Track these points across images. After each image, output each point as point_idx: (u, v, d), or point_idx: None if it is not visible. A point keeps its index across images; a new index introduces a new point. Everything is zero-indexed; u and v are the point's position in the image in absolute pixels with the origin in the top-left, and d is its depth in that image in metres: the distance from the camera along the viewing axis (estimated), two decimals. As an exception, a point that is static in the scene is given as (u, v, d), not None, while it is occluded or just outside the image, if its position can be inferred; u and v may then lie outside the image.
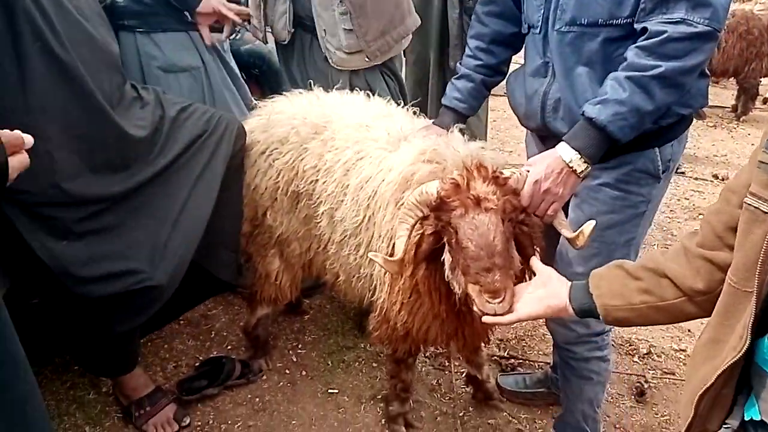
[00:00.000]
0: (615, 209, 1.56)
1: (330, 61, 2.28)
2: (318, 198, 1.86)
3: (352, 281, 1.88)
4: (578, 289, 1.20)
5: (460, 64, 1.84)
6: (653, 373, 2.48)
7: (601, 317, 1.17)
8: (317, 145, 1.87)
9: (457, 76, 1.83)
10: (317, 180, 1.85)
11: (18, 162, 1.03)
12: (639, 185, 1.55)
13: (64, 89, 1.53)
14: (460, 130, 1.66)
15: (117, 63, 1.77)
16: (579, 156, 1.39)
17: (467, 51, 1.82)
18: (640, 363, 2.54)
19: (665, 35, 1.29)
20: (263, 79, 3.00)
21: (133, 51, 2.31)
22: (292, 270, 2.09)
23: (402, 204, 1.49)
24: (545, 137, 1.68)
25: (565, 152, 1.41)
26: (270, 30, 2.39)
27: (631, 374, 2.46)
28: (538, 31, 1.55)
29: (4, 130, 1.01)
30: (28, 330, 1.42)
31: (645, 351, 2.58)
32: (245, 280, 2.29)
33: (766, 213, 0.86)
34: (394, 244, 1.51)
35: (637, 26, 1.35)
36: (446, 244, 1.42)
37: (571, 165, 1.40)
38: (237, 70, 2.57)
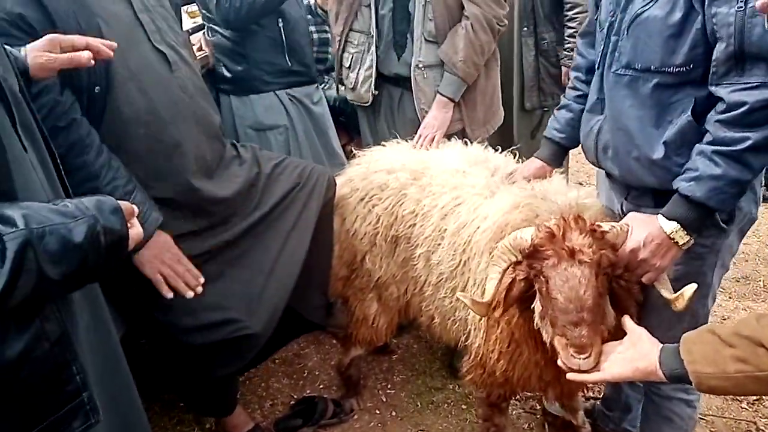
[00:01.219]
0: (681, 261, 1.50)
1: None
2: (415, 241, 1.91)
3: (447, 324, 1.90)
4: (669, 354, 1.16)
5: (564, 96, 1.87)
6: (765, 421, 2.33)
7: (693, 384, 1.11)
8: (415, 190, 1.93)
9: (558, 106, 1.86)
10: (415, 224, 1.91)
11: (136, 234, 1.09)
12: (702, 236, 1.49)
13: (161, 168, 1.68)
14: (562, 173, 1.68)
15: (217, 132, 1.89)
16: (680, 227, 1.36)
17: (569, 83, 1.84)
18: (750, 409, 2.40)
19: (747, 107, 1.26)
20: (348, 122, 3.13)
21: (228, 112, 2.54)
22: (389, 313, 2.14)
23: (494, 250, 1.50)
24: (608, 173, 1.67)
25: (665, 224, 1.38)
26: (348, 91, 2.43)
27: (740, 420, 2.33)
28: (598, 67, 1.57)
29: (123, 202, 1.06)
30: (139, 368, 1.51)
31: (755, 396, 2.44)
32: (335, 320, 2.36)
33: None
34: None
35: (712, 90, 1.33)
36: (537, 292, 1.40)
37: (672, 237, 1.37)
38: (327, 119, 2.72)
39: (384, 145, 2.18)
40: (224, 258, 1.86)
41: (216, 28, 2.46)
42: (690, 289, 1.33)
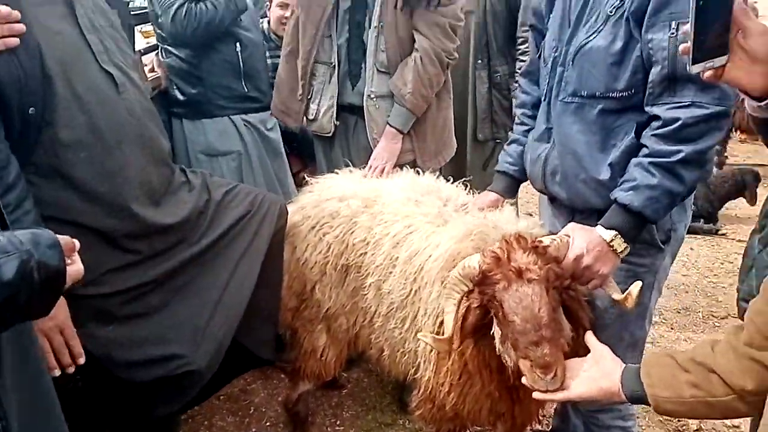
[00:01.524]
0: (620, 280, 1.55)
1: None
2: (366, 270, 1.86)
3: (397, 356, 1.85)
4: (630, 375, 1.19)
5: (511, 131, 1.92)
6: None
7: (652, 407, 1.14)
8: (367, 218, 1.89)
9: (508, 141, 1.91)
10: (366, 252, 1.87)
11: (75, 270, 1.05)
12: (641, 256, 1.58)
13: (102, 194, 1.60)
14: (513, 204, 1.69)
15: (165, 156, 1.83)
16: (618, 235, 1.42)
17: (516, 119, 1.90)
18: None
19: (680, 122, 1.35)
20: (301, 149, 3.10)
21: (180, 136, 2.48)
22: (338, 345, 2.07)
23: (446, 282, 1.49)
24: (552, 199, 1.74)
25: (604, 232, 1.43)
26: (310, 123, 2.40)
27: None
28: (544, 98, 1.64)
29: (63, 236, 1.02)
30: (73, 406, 1.40)
31: (695, 428, 2.46)
32: (285, 355, 2.27)
33: None
34: (442, 321, 1.50)
35: (648, 109, 1.42)
36: (494, 318, 1.40)
37: (611, 245, 1.42)
38: (281, 147, 2.67)
39: (337, 173, 2.15)
40: (170, 287, 1.78)
41: (171, 49, 2.41)
42: (636, 286, 1.38)
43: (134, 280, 1.69)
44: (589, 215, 1.58)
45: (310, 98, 2.33)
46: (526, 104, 1.85)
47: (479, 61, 3.00)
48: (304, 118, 2.36)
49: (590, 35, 1.47)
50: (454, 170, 2.73)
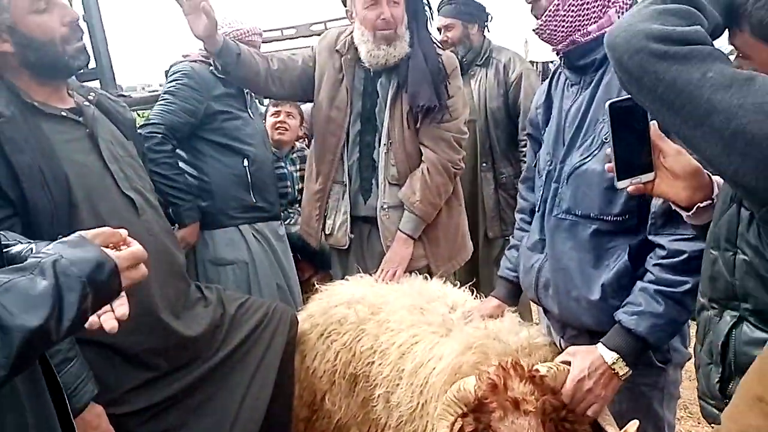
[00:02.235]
0: (622, 400, 1.52)
1: None
2: (374, 380, 1.86)
3: (411, 469, 1.80)
4: None
5: (512, 236, 1.94)
6: None
7: None
8: (373, 326, 1.92)
9: (508, 246, 1.93)
10: (373, 362, 1.87)
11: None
12: (643, 375, 1.52)
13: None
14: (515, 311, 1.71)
15: (181, 270, 1.93)
16: (620, 358, 1.39)
17: (516, 224, 1.93)
18: None
19: (686, 255, 1.34)
20: (313, 256, 3.17)
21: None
22: (351, 457, 2.02)
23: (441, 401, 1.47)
24: (545, 310, 1.72)
25: (606, 353, 1.41)
26: (327, 238, 2.50)
27: None
28: (538, 209, 1.66)
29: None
30: None
31: None
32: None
33: None
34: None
35: (651, 238, 1.42)
36: None
37: (613, 368, 1.39)
38: (289, 256, 2.76)
39: (347, 279, 2.20)
40: (187, 405, 1.82)
41: (184, 166, 2.56)
42: (633, 425, 1.32)
43: (154, 398, 1.73)
44: (580, 333, 1.58)
45: (326, 215, 2.45)
46: (524, 210, 1.88)
47: (484, 164, 3.13)
48: (322, 234, 2.47)
49: (585, 158, 1.49)
50: (468, 267, 2.78)
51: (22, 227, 1.44)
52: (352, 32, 2.35)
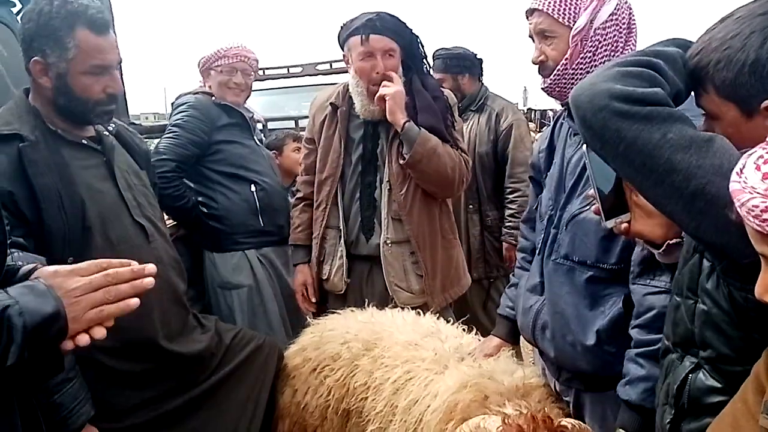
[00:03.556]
0: None
1: (396, 300, 2.37)
2: (367, 416, 1.87)
3: None
4: None
5: (512, 275, 1.96)
6: None
7: None
8: (367, 362, 1.93)
9: (508, 285, 1.96)
10: (367, 398, 1.89)
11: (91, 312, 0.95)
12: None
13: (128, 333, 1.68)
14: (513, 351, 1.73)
15: (181, 299, 1.99)
16: None
17: (516, 263, 1.94)
18: None
19: (655, 311, 1.34)
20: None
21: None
22: (341, 495, 2.01)
23: None
24: (541, 352, 1.73)
25: None
26: (324, 283, 2.51)
27: None
28: (538, 252, 1.69)
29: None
30: None
31: None
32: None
33: None
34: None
35: (631, 287, 1.42)
36: None
37: None
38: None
39: (339, 313, 2.21)
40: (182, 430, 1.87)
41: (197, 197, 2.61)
42: None
43: (151, 415, 1.79)
44: (575, 377, 1.60)
45: (323, 260, 2.48)
46: (525, 249, 1.90)
47: (471, 206, 3.23)
48: (320, 279, 2.49)
49: (584, 206, 1.51)
50: (457, 309, 2.78)
51: (35, 247, 1.46)
52: (345, 84, 2.44)
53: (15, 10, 2.74)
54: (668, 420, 1.10)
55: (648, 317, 1.36)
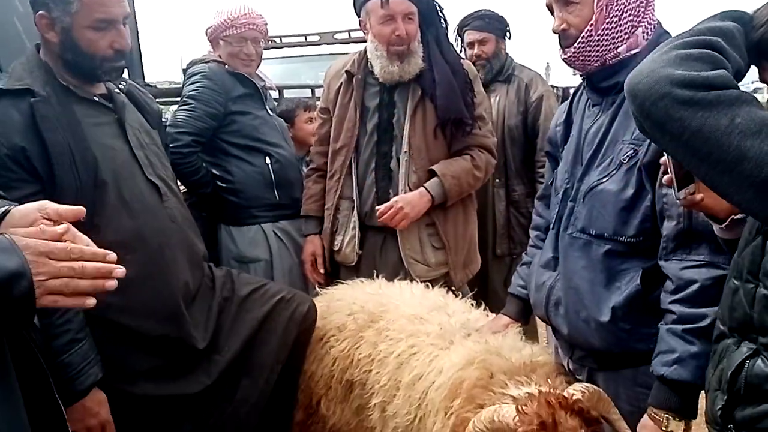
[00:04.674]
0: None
1: (412, 272, 2.33)
2: (371, 388, 1.84)
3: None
4: None
5: (525, 253, 1.92)
6: None
7: None
8: (372, 334, 1.90)
9: (520, 263, 1.91)
10: (371, 370, 1.85)
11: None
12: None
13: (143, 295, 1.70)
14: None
15: (200, 260, 1.96)
16: (673, 417, 1.30)
17: (530, 241, 1.90)
18: None
19: (698, 285, 1.30)
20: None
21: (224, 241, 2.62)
22: (345, 464, 2.00)
23: (452, 414, 1.45)
24: (554, 329, 1.69)
25: (657, 415, 1.32)
26: (335, 254, 2.48)
27: None
28: (553, 227, 1.64)
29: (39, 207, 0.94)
30: None
31: None
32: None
33: None
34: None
35: (661, 264, 1.38)
36: None
37: (668, 428, 1.30)
38: None
39: (348, 284, 2.18)
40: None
41: (210, 168, 2.59)
42: None
43: (161, 390, 1.77)
44: (588, 354, 1.55)
45: (336, 231, 2.44)
46: (539, 227, 1.86)
47: (497, 180, 3.11)
48: (331, 250, 2.46)
49: (602, 177, 1.48)
50: (479, 287, 2.72)
51: None
52: (360, 52, 2.39)
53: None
54: (720, 406, 1.07)
55: (690, 291, 1.31)
